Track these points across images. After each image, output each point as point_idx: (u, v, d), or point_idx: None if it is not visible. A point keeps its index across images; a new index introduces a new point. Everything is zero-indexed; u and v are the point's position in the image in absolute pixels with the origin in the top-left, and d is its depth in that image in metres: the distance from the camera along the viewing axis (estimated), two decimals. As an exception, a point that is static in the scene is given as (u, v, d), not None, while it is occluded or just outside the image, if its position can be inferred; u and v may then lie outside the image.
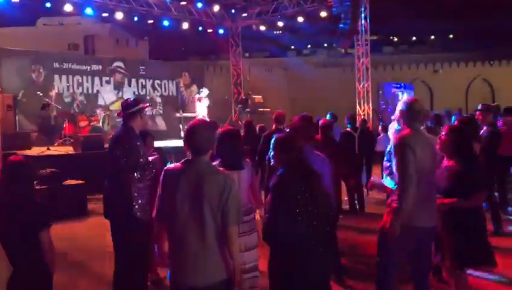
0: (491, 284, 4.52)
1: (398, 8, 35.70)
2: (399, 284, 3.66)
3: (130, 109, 3.99)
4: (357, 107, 16.36)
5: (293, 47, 45.27)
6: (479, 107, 6.76)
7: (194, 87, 17.72)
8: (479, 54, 34.72)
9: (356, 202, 7.95)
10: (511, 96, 27.27)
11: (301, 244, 2.82)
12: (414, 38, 47.67)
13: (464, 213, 3.56)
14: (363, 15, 15.39)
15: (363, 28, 15.69)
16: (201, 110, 15.03)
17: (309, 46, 45.73)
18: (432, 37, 48.18)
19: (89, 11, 14.47)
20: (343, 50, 33.91)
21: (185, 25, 16.86)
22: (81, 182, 8.32)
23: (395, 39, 47.01)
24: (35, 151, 10.62)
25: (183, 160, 2.68)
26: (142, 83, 17.02)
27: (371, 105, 16.44)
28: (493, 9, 37.49)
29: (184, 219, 2.54)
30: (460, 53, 36.88)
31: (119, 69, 16.38)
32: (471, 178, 3.56)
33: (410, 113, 3.39)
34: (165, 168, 2.76)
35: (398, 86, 22.15)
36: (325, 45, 43.86)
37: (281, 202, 2.84)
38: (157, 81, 17.47)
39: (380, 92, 19.72)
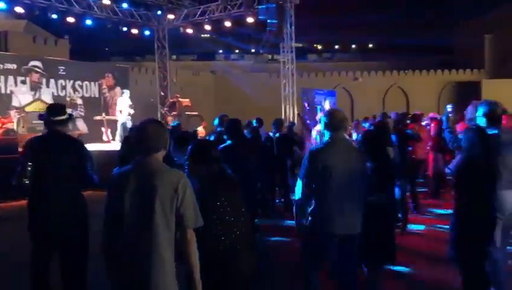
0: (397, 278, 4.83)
1: (323, 17, 37.12)
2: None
3: (58, 116, 3.83)
4: (283, 111, 16.76)
5: (221, 51, 45.41)
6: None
7: (118, 89, 17.15)
8: (395, 63, 37.06)
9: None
10: (422, 102, 29.41)
11: (223, 254, 2.84)
12: (337, 46, 49.77)
13: (368, 213, 3.78)
14: (288, 22, 15.83)
15: (288, 35, 16.12)
16: (123, 112, 14.62)
17: (237, 51, 46.12)
18: (353, 46, 50.62)
19: (0, 5, 13.52)
20: (269, 56, 34.64)
21: (109, 25, 16.31)
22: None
23: (319, 47, 48.77)
24: None
25: (132, 161, 2.49)
26: (61, 83, 16.15)
27: (296, 109, 16.92)
28: (407, 27, 40.25)
29: (132, 223, 2.36)
30: (379, 62, 39.13)
31: (36, 69, 15.41)
32: (374, 178, 3.80)
33: (331, 122, 3.55)
34: (112, 173, 2.57)
35: (322, 92, 22.98)
36: (253, 50, 44.51)
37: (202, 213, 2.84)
38: (78, 82, 16.66)
39: (305, 97, 20.33)
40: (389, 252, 3.93)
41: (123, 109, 14.65)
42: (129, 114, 14.52)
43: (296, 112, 16.71)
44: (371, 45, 50.00)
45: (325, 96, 22.66)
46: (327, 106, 21.66)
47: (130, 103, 14.81)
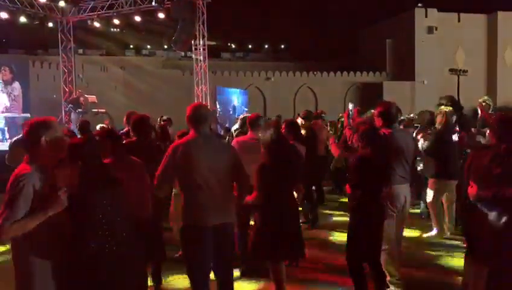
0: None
1: (237, 16, 37.46)
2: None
3: None
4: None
5: (131, 46, 43.91)
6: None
7: (16, 84, 15.88)
8: (304, 64, 38.49)
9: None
10: (329, 102, 30.88)
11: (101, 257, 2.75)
12: (250, 46, 50.47)
13: (263, 209, 3.89)
14: (200, 20, 15.74)
15: (200, 33, 16.03)
16: None
17: (149, 46, 44.89)
18: (266, 46, 51.68)
19: None
20: (182, 53, 34.16)
21: (4, 15, 15.02)
22: None
23: (233, 46, 49.10)
24: None
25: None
26: None
27: (208, 108, 16.90)
28: (318, 26, 42.01)
29: None
30: (290, 63, 40.35)
31: None
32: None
33: (194, 118, 3.55)
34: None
35: (235, 91, 23.19)
36: (165, 46, 43.59)
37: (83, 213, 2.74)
38: (-32, 75, 15.18)
39: (218, 96, 20.38)
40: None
41: None
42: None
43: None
44: (282, 46, 51.44)
45: (237, 95, 22.93)
46: (238, 105, 21.90)
47: (2, 99, 13.83)
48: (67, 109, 16.27)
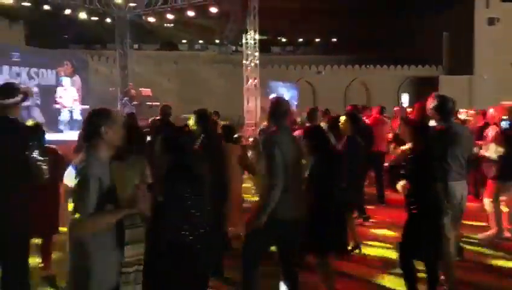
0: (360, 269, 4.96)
1: (287, 10, 37.24)
2: (267, 276, 3.78)
3: (7, 100, 3.41)
4: (245, 103, 16.78)
5: (184, 41, 44.82)
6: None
7: (77, 78, 16.65)
8: (356, 58, 37.72)
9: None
10: (382, 96, 30.10)
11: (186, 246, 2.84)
12: (300, 40, 50.09)
13: (315, 205, 3.86)
14: (252, 14, 15.81)
15: (252, 27, 16.11)
16: (67, 100, 14.35)
17: (200, 41, 45.66)
18: (317, 40, 51.09)
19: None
20: (233, 47, 34.51)
21: (67, 11, 15.77)
22: None
23: (283, 40, 48.92)
24: None
25: None
26: (15, 70, 15.52)
27: (259, 102, 16.96)
28: (370, 18, 40.96)
29: None
30: (341, 56, 39.71)
31: (-13, 54, 14.76)
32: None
33: (276, 112, 3.58)
34: None
35: (285, 85, 23.14)
36: (217, 41, 44.15)
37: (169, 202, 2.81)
38: (34, 70, 16.05)
39: (268, 90, 20.43)
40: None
41: (65, 98, 14.35)
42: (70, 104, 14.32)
43: (259, 104, 16.77)
44: (334, 39, 50.67)
45: (287, 89, 22.85)
46: (288, 99, 21.79)
47: (70, 92, 14.52)
48: (123, 101, 16.88)
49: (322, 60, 37.15)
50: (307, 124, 5.23)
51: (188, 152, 3.06)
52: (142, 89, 17.32)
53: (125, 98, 16.29)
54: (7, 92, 3.44)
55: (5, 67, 15.17)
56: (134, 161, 3.31)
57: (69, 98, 14.38)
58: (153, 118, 7.50)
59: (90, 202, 2.53)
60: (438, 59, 35.28)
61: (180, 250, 2.84)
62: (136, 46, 31.47)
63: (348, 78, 34.43)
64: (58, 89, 14.85)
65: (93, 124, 2.71)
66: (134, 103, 15.86)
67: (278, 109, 3.60)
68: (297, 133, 5.15)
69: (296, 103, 21.58)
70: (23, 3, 14.54)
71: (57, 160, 4.30)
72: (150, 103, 16.63)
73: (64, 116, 14.24)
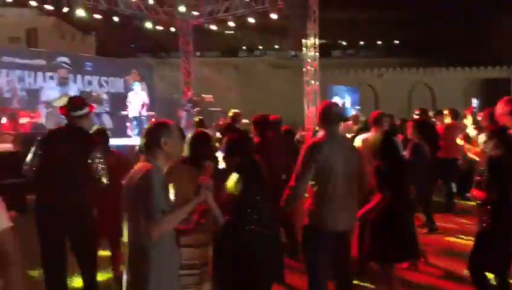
0: (420, 277, 4.78)
1: (347, 13, 36.75)
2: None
3: (77, 112, 3.86)
4: (305, 108, 16.70)
5: (244, 47, 45.49)
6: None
7: (144, 85, 17.41)
8: (421, 60, 36.40)
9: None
10: (449, 100, 28.79)
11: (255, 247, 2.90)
12: (361, 42, 49.18)
13: (381, 211, 3.75)
14: (312, 18, 15.75)
15: (312, 32, 16.04)
16: (134, 105, 14.96)
17: (260, 47, 46.14)
18: (379, 42, 49.92)
19: (31, 2, 13.89)
20: (293, 52, 34.50)
21: (134, 22, 16.54)
22: (20, 180, 7.95)
23: (343, 43, 48.27)
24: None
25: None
26: (87, 79, 16.50)
27: (340, 107, 16.81)
28: (436, 19, 39.44)
29: None
30: (405, 59, 38.49)
31: (63, 65, 15.79)
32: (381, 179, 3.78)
33: (325, 118, 3.52)
34: None
35: (345, 89, 22.82)
36: (276, 46, 44.39)
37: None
38: (104, 78, 17.00)
39: (328, 94, 20.23)
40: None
41: (135, 103, 14.96)
42: (139, 110, 14.88)
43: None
44: (396, 41, 49.25)
45: (348, 93, 22.52)
46: (349, 103, 21.46)
47: (141, 97, 15.09)
48: (186, 107, 17.39)
49: (384, 62, 36.21)
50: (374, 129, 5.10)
51: (253, 156, 3.13)
52: (204, 95, 17.76)
53: (188, 105, 16.77)
54: (77, 105, 3.89)
55: (79, 76, 16.16)
56: (188, 170, 3.42)
57: (139, 102, 15.03)
58: (219, 123, 7.65)
59: (156, 209, 2.62)
60: (510, 60, 33.24)
61: (249, 255, 2.89)
62: (198, 53, 32.36)
63: (411, 81, 33.29)
64: (129, 94, 15.58)
65: (153, 135, 2.82)
66: (197, 109, 16.30)
67: (326, 114, 3.53)
68: (365, 137, 5.06)
69: (357, 108, 21.21)
70: (95, 16, 15.39)
71: (119, 165, 4.48)
72: (212, 109, 17.03)
73: (135, 121, 14.93)
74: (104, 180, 3.79)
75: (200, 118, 8.25)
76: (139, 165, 2.79)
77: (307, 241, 3.52)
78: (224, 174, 3.31)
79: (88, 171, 3.75)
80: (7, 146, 10.68)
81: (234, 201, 2.98)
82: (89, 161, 3.75)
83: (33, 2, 14.32)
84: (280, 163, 4.87)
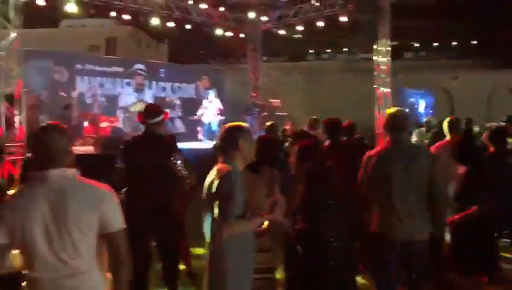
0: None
1: (420, 13, 35.39)
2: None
3: (154, 119, 4.16)
4: (376, 112, 16.24)
5: (312, 51, 45.27)
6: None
7: (209, 90, 17.87)
8: (502, 60, 34.17)
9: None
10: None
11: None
12: (435, 44, 47.12)
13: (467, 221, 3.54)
14: (383, 20, 15.30)
15: (383, 34, 15.58)
16: (210, 112, 15.31)
17: (328, 50, 45.68)
18: (454, 42, 47.56)
19: (111, 13, 14.73)
20: (363, 55, 33.79)
21: (205, 29, 17.01)
22: (100, 181, 8.42)
23: (416, 45, 46.54)
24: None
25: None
26: (161, 85, 17.21)
27: (407, 114, 16.25)
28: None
29: None
30: (483, 59, 36.35)
31: (139, 72, 16.60)
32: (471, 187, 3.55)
33: (390, 125, 3.43)
34: None
35: (418, 92, 21.94)
36: (345, 49, 43.76)
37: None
38: (176, 84, 17.64)
39: (400, 98, 19.56)
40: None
41: (210, 110, 15.33)
42: (213, 115, 15.22)
43: (390, 113, 16.11)
44: (473, 42, 46.65)
45: (421, 96, 21.61)
46: (422, 107, 20.62)
47: (215, 104, 15.42)
48: (253, 112, 17.59)
49: (460, 64, 34.40)
50: (451, 135, 4.85)
51: (324, 163, 3.11)
52: (272, 100, 17.86)
53: (256, 109, 16.95)
54: (153, 113, 4.22)
55: (154, 82, 16.90)
56: (266, 172, 3.48)
57: (214, 108, 15.49)
58: (285, 127, 7.65)
59: (234, 211, 2.72)
60: None
61: (321, 262, 2.86)
62: (265, 58, 32.66)
63: (491, 84, 31.32)
64: (204, 101, 16.05)
65: (230, 137, 2.94)
66: (264, 113, 16.43)
67: (392, 121, 3.43)
68: (440, 144, 4.83)
69: (431, 112, 20.31)
70: (168, 24, 16.01)
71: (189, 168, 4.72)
72: (279, 114, 17.09)
73: (205, 126, 15.37)
74: (187, 180, 4.08)
75: (272, 123, 8.24)
76: (219, 167, 2.90)
77: (373, 250, 3.48)
78: (294, 180, 3.32)
79: (171, 173, 4.10)
80: (89, 148, 11.42)
81: (305, 206, 2.98)
82: (170, 163, 4.10)
83: (112, 12, 15.18)
84: (352, 170, 4.76)
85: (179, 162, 4.18)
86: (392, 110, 3.66)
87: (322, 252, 2.93)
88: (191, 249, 5.37)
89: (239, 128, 2.99)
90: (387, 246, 3.30)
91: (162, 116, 4.22)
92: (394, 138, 3.37)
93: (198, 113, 15.73)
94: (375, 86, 16.44)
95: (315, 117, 6.85)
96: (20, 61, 10.48)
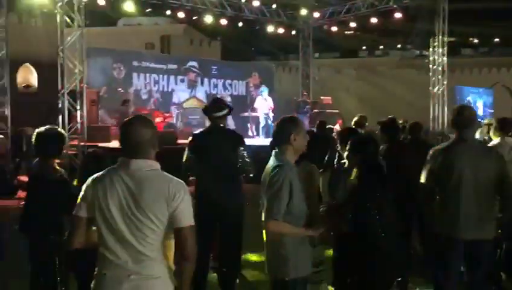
0: None
1: (480, 8, 33.85)
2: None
3: (219, 113, 4.32)
4: (431, 111, 15.77)
5: (364, 47, 44.38)
6: None
7: (263, 88, 17.99)
8: None
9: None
10: None
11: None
12: (496, 40, 44.87)
13: None
14: (441, 16, 14.80)
15: (440, 30, 15.08)
16: (263, 109, 15.46)
17: (381, 46, 44.61)
18: (516, 38, 45.07)
19: (166, 12, 15.20)
20: (417, 51, 32.75)
21: (257, 26, 17.15)
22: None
23: (475, 41, 44.51)
24: (113, 144, 11.36)
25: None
26: (213, 82, 17.55)
27: (446, 109, 15.75)
28: None
29: None
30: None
31: (193, 69, 17.00)
32: None
33: (458, 121, 3.35)
34: None
35: (476, 90, 21.02)
36: (399, 46, 42.53)
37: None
38: (228, 81, 17.93)
39: (458, 96, 18.83)
40: None
41: (260, 107, 15.48)
42: (266, 112, 15.34)
43: (446, 112, 15.61)
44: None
45: (480, 95, 20.70)
46: (480, 106, 19.77)
47: (268, 102, 15.53)
48: (304, 109, 17.54)
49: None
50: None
51: (376, 157, 3.12)
52: (323, 97, 17.74)
53: (307, 106, 16.90)
54: (219, 107, 4.39)
55: (206, 80, 17.27)
56: (305, 166, 3.52)
57: (266, 106, 15.71)
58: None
59: (283, 204, 2.78)
60: None
61: (372, 255, 2.87)
62: (316, 54, 32.37)
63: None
64: (258, 98, 16.28)
65: (283, 130, 2.97)
66: (315, 110, 16.35)
67: (459, 118, 3.36)
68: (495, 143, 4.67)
69: (491, 111, 19.44)
70: (221, 21, 16.27)
71: None
72: (330, 111, 16.94)
73: (261, 123, 15.60)
74: (251, 172, 4.20)
75: (320, 121, 8.27)
76: (269, 163, 2.98)
77: (434, 249, 3.45)
78: (346, 173, 3.34)
79: (237, 165, 4.26)
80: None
81: (354, 194, 2.99)
82: (237, 153, 4.27)
83: (167, 11, 15.64)
84: (412, 169, 4.69)
85: (245, 153, 4.32)
86: (460, 106, 3.62)
87: (370, 251, 2.92)
88: (247, 255, 5.33)
89: (292, 121, 3.00)
90: (451, 245, 3.25)
91: (226, 110, 4.36)
92: (461, 135, 3.32)
93: (255, 106, 15.95)
94: (430, 84, 15.96)
95: (363, 114, 6.75)
96: (82, 59, 11.06)
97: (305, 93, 18.16)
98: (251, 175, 4.30)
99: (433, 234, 3.44)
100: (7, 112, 10.78)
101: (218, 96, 17.27)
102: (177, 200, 2.25)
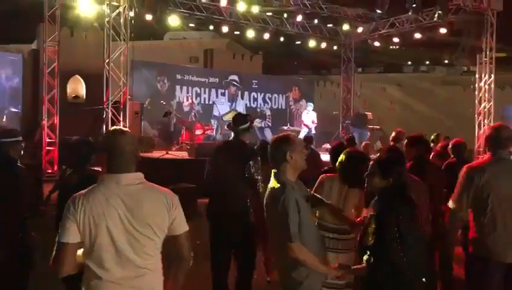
0: None
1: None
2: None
3: (241, 125, 4.38)
4: (476, 130, 15.21)
5: (409, 63, 43.51)
6: None
7: (303, 102, 18.00)
8: None
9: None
10: None
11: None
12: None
13: None
14: (488, 32, 14.34)
15: (487, 46, 14.59)
16: (307, 123, 15.44)
17: (427, 62, 43.59)
18: None
19: (209, 26, 15.55)
20: (464, 68, 31.79)
21: (298, 41, 17.20)
22: (192, 185, 8.90)
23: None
24: (156, 154, 11.68)
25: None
26: (253, 96, 17.73)
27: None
28: None
29: None
30: None
31: (233, 82, 17.27)
32: None
33: (492, 140, 3.25)
34: None
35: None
36: (445, 61, 41.45)
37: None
38: (268, 95, 18.07)
39: (504, 114, 18.11)
40: None
41: (306, 121, 15.44)
42: (309, 128, 15.32)
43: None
44: None
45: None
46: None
47: (312, 116, 15.48)
48: (345, 124, 17.36)
49: None
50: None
51: (406, 178, 3.00)
52: (365, 112, 17.49)
53: (347, 122, 16.72)
54: (240, 120, 4.45)
55: (246, 93, 17.47)
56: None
57: (310, 120, 15.74)
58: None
59: (294, 222, 2.73)
60: None
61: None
62: (359, 69, 32.04)
63: None
64: (303, 112, 16.36)
65: (278, 150, 2.94)
66: (363, 128, 16.11)
67: (494, 138, 3.25)
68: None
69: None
70: (264, 36, 16.43)
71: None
72: (371, 127, 16.67)
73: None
74: (260, 188, 4.17)
75: (350, 136, 8.17)
76: (270, 184, 2.96)
77: (471, 272, 3.30)
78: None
79: (246, 177, 4.20)
80: (183, 154, 12.12)
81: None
82: (246, 169, 4.21)
83: (211, 26, 15.98)
84: (440, 189, 4.51)
85: (255, 169, 4.24)
86: (495, 125, 3.50)
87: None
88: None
89: (286, 140, 2.94)
90: (489, 269, 3.11)
91: (247, 124, 4.42)
92: (496, 154, 3.21)
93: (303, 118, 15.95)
94: (476, 101, 15.43)
95: (400, 129, 6.57)
96: (126, 72, 11.46)
97: (345, 106, 17.92)
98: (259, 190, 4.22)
99: (471, 257, 3.31)
100: (56, 120, 11.31)
101: (258, 109, 17.47)
102: (175, 209, 2.29)
